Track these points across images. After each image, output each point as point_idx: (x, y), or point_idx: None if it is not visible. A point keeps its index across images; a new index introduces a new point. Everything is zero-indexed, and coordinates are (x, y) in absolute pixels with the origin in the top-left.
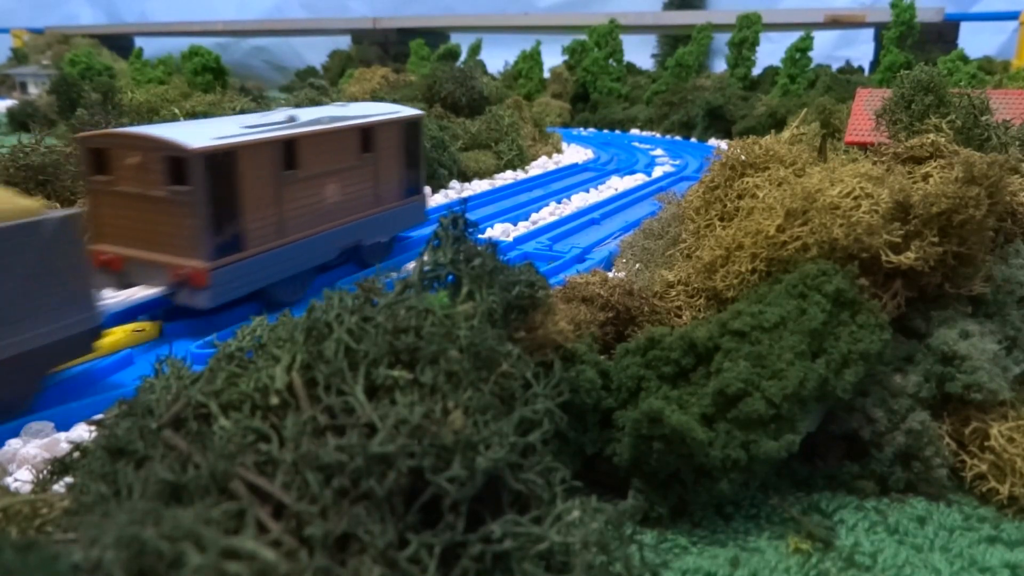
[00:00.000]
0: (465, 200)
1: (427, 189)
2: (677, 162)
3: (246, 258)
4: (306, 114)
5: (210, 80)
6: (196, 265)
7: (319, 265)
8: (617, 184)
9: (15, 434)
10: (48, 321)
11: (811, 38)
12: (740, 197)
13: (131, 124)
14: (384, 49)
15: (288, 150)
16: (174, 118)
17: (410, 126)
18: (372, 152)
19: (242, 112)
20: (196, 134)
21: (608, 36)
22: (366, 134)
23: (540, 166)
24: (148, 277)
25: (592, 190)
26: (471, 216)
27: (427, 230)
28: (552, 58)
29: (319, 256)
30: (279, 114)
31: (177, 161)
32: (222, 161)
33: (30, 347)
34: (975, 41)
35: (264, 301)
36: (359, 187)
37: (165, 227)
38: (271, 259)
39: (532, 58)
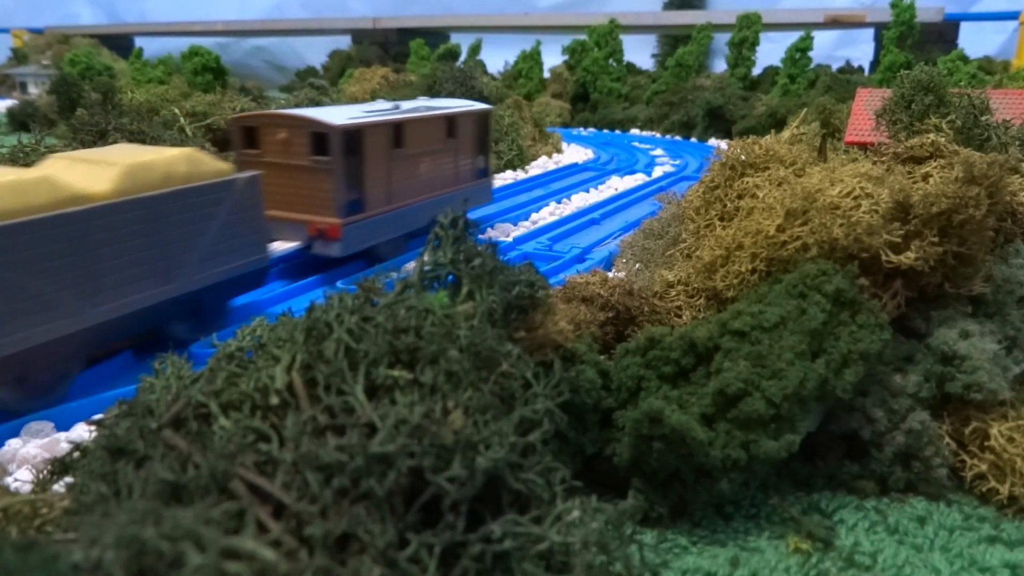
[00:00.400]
0: (465, 200)
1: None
2: (677, 162)
3: (366, 218)
4: (406, 105)
5: (210, 80)
6: (332, 221)
7: (411, 231)
8: (617, 184)
9: (15, 434)
10: (239, 258)
11: (811, 38)
12: (740, 197)
13: (131, 124)
14: (384, 49)
15: (397, 132)
16: (174, 118)
17: (482, 117)
18: (454, 138)
19: (242, 111)
20: (333, 115)
21: (608, 36)
22: (451, 122)
23: (540, 166)
24: (288, 234)
25: (592, 190)
26: (471, 216)
27: (488, 209)
28: (552, 58)
29: (414, 223)
30: (386, 104)
31: (320, 136)
32: (353, 137)
33: (227, 277)
34: (975, 41)
35: (372, 258)
36: (444, 167)
37: (306, 191)
38: (382, 221)
39: (532, 58)
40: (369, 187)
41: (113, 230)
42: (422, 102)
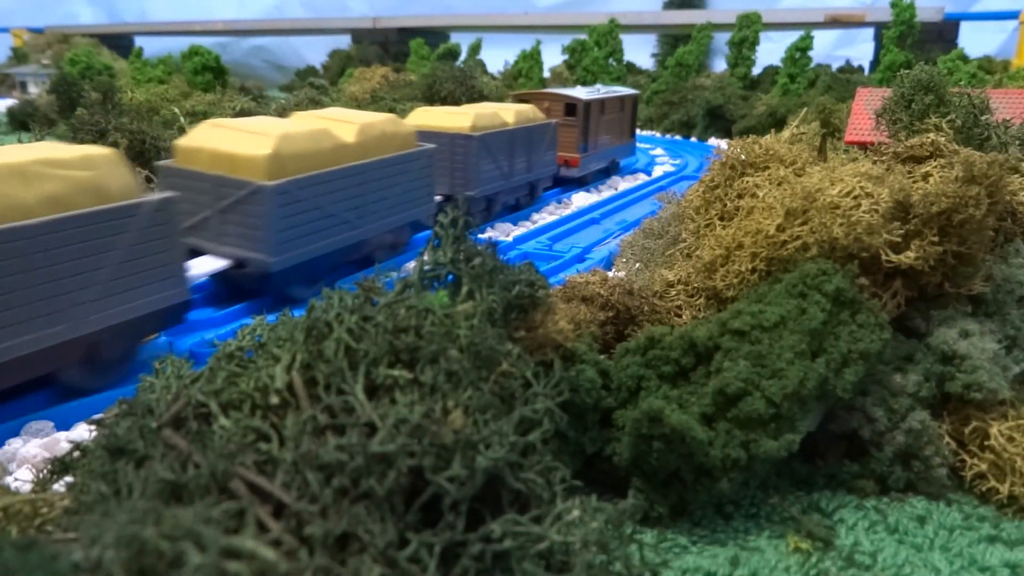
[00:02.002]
0: (466, 200)
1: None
2: (677, 162)
3: (587, 156)
4: (601, 88)
5: (210, 79)
6: (575, 156)
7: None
8: (617, 184)
9: (15, 433)
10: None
11: (811, 37)
12: (740, 196)
13: (131, 123)
14: (384, 48)
15: (602, 105)
16: (174, 117)
17: (634, 99)
18: (623, 111)
19: (242, 111)
20: (579, 92)
21: (608, 36)
22: (622, 101)
23: None
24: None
25: (592, 190)
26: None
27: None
28: (552, 58)
29: (604, 161)
30: (597, 87)
31: (571, 105)
32: (588, 106)
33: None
34: (975, 40)
35: (580, 184)
36: (618, 128)
37: (560, 139)
38: (593, 158)
39: (532, 57)
40: (589, 137)
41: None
42: (605, 87)
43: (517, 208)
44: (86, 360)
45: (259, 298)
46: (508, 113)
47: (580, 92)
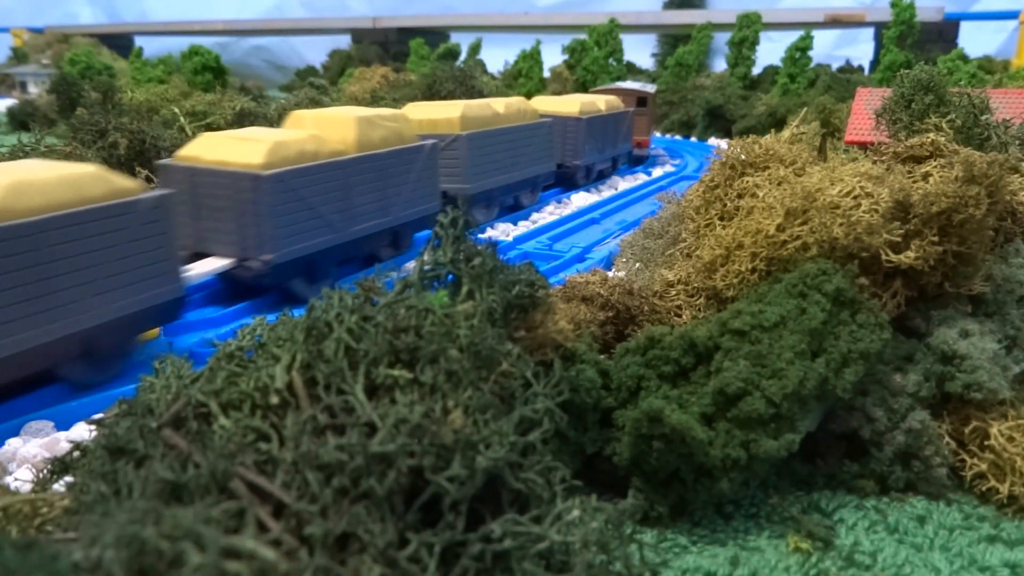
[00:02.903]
0: (466, 200)
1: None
2: (677, 161)
3: (643, 140)
4: (637, 86)
5: (210, 79)
6: (646, 138)
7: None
8: (617, 184)
9: (15, 433)
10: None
11: (811, 37)
12: (740, 196)
13: (131, 123)
14: (384, 48)
15: (642, 99)
16: (174, 117)
17: (651, 96)
18: (648, 105)
19: (242, 110)
20: (642, 87)
21: (608, 35)
22: (642, 98)
23: None
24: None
25: (592, 190)
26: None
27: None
28: (552, 57)
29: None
30: (639, 84)
31: (643, 98)
32: (647, 99)
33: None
34: (975, 40)
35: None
36: (639, 122)
37: (636, 125)
38: (653, 141)
39: (532, 57)
40: (640, 125)
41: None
42: (632, 84)
43: (602, 177)
44: (84, 355)
45: (263, 296)
46: (601, 102)
47: (642, 87)
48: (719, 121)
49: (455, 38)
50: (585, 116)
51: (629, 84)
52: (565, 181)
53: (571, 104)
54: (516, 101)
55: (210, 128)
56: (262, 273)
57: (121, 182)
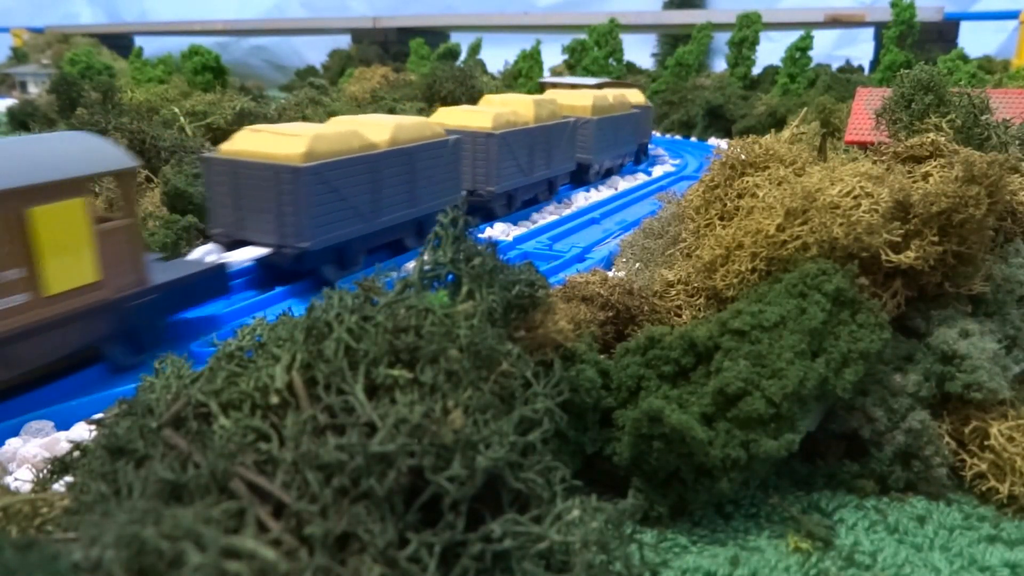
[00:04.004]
0: (465, 200)
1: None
2: (677, 161)
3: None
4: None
5: (210, 79)
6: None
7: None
8: (617, 184)
9: (15, 433)
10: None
11: (811, 37)
12: (740, 196)
13: (131, 123)
14: (384, 48)
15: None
16: (174, 117)
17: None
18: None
19: (242, 110)
20: (584, 81)
21: (608, 35)
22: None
23: None
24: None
25: (592, 190)
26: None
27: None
28: (552, 57)
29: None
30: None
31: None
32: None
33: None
34: (975, 40)
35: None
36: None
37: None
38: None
39: (532, 57)
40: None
41: None
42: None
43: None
44: (419, 232)
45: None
46: (611, 97)
47: (587, 80)
48: (719, 121)
49: (455, 38)
50: (596, 116)
51: (576, 79)
52: (576, 177)
53: (635, 94)
54: (546, 101)
55: (210, 127)
56: (299, 258)
57: (437, 128)
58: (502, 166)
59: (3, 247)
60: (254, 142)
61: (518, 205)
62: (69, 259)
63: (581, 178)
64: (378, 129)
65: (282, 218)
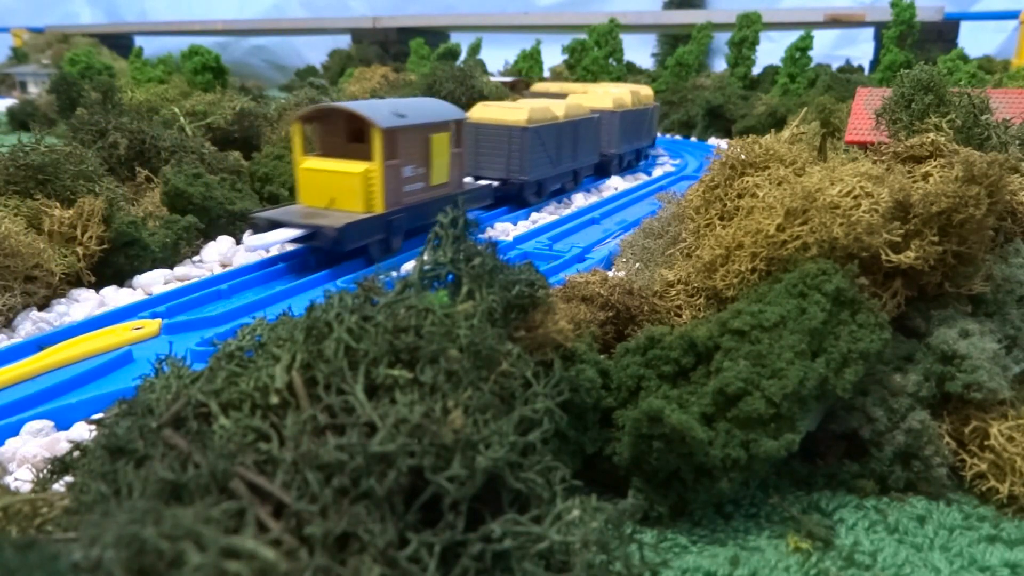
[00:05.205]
0: (465, 200)
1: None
2: (677, 161)
3: None
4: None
5: (210, 79)
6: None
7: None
8: (617, 184)
9: (15, 433)
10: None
11: (811, 37)
12: (740, 196)
13: (131, 123)
14: (384, 48)
15: (513, 87)
16: (174, 117)
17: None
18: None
19: (242, 110)
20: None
21: (608, 35)
22: (513, 85)
23: None
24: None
25: (592, 190)
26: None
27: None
28: (552, 57)
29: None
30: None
31: (513, 85)
32: (516, 85)
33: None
34: (975, 40)
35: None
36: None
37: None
38: None
39: (532, 57)
40: None
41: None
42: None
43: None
44: (573, 179)
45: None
46: (628, 95)
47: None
48: (719, 121)
49: (455, 38)
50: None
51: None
52: (600, 169)
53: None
54: (577, 96)
55: (210, 127)
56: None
57: (587, 108)
58: (534, 157)
59: (418, 156)
60: (489, 112)
61: (547, 193)
62: (440, 166)
63: (604, 169)
64: (557, 107)
65: (510, 161)
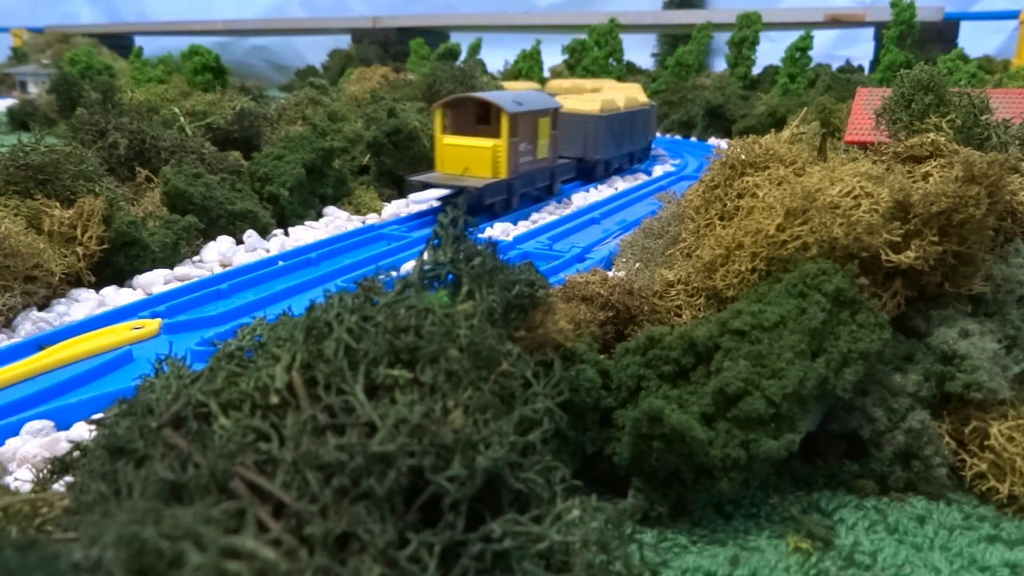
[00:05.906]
0: (465, 200)
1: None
2: (677, 161)
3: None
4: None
5: (210, 79)
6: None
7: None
8: (617, 184)
9: (15, 433)
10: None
11: (811, 37)
12: (740, 196)
13: (131, 123)
14: (384, 48)
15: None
16: (174, 117)
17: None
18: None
19: (242, 110)
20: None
21: (608, 35)
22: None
23: None
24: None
25: (592, 190)
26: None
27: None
28: (552, 57)
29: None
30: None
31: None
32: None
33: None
34: (975, 40)
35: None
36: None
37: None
38: None
39: (532, 57)
40: None
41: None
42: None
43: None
44: (629, 161)
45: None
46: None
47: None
48: (719, 121)
49: (455, 38)
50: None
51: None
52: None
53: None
54: (632, 88)
55: (210, 127)
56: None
57: (643, 96)
58: (605, 140)
59: (530, 136)
60: (568, 103)
61: (611, 171)
62: (544, 144)
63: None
64: (619, 99)
65: (586, 143)
